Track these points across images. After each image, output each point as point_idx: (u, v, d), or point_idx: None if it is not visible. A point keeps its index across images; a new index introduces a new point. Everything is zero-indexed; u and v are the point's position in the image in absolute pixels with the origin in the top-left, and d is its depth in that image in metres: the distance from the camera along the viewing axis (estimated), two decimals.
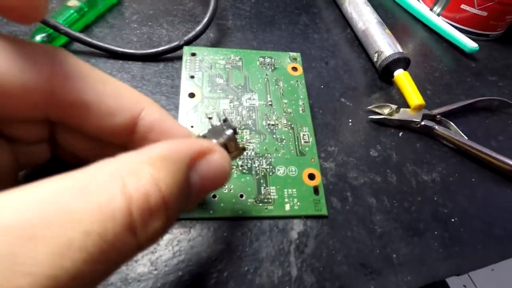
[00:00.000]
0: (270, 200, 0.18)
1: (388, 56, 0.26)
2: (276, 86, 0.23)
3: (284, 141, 0.20)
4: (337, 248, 0.18)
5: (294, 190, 0.19)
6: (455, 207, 0.21)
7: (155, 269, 0.16)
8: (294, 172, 0.19)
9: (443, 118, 0.25)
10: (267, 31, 0.29)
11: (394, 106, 0.25)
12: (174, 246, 0.16)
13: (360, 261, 0.18)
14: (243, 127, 0.21)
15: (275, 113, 0.21)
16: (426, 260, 0.18)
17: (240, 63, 0.23)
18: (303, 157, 0.20)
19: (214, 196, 0.18)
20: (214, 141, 0.14)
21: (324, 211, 0.19)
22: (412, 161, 0.23)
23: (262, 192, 0.18)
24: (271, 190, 0.19)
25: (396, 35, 0.28)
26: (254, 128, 0.21)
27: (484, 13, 0.32)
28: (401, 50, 0.26)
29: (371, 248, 0.18)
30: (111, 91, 0.13)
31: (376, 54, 0.27)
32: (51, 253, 0.08)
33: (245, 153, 0.19)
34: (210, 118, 0.20)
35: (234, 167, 0.19)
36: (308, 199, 0.19)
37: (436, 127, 0.24)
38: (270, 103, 0.22)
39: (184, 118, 0.20)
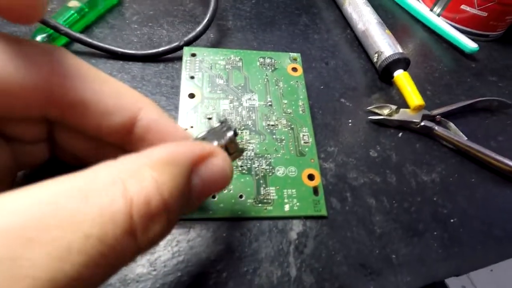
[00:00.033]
0: (270, 201, 0.18)
1: (388, 56, 0.26)
2: (276, 87, 0.23)
3: (284, 141, 0.20)
4: (337, 248, 0.18)
5: (294, 190, 0.19)
6: (454, 208, 0.21)
7: (154, 270, 0.16)
8: (293, 173, 0.19)
9: (442, 119, 0.25)
10: (267, 31, 0.29)
11: (393, 107, 0.25)
12: (173, 246, 0.16)
13: (360, 261, 0.18)
14: (243, 127, 0.21)
15: (275, 114, 0.22)
16: (425, 260, 0.19)
17: (240, 63, 0.23)
18: (303, 157, 0.20)
19: (214, 197, 0.18)
20: (215, 143, 0.14)
21: (324, 212, 0.19)
22: (412, 161, 0.23)
23: (262, 193, 0.18)
24: (271, 191, 0.19)
25: (396, 35, 0.28)
26: (254, 129, 0.21)
27: (484, 14, 0.32)
28: (401, 51, 0.26)
29: (370, 248, 0.18)
30: (110, 91, 0.13)
31: (376, 55, 0.27)
32: (51, 256, 0.08)
33: (244, 153, 0.19)
34: (209, 119, 0.20)
35: (234, 167, 0.19)
36: (307, 199, 0.19)
37: (436, 127, 0.24)
38: (270, 103, 0.22)
39: (184, 118, 0.20)
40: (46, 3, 0.12)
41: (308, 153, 0.20)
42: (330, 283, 0.17)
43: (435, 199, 0.21)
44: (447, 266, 0.19)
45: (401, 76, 0.26)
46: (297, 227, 0.18)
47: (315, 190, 0.19)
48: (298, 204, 0.18)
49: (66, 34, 0.22)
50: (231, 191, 0.18)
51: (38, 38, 0.22)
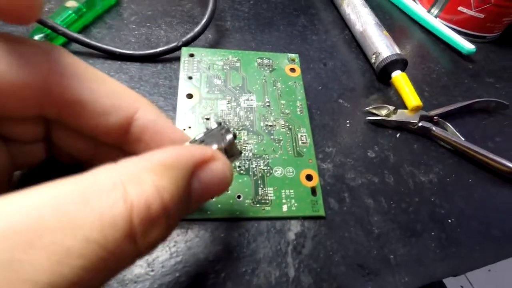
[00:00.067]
0: (268, 201, 0.18)
1: (386, 57, 0.26)
2: (274, 87, 0.23)
3: (282, 142, 0.20)
4: (335, 249, 0.18)
5: (292, 191, 0.19)
6: (452, 208, 0.21)
7: (152, 270, 0.16)
8: (291, 173, 0.19)
9: (440, 119, 0.25)
10: (265, 32, 0.29)
11: (391, 107, 0.25)
12: (171, 247, 0.16)
13: (358, 262, 0.18)
14: (241, 128, 0.21)
15: (273, 114, 0.22)
16: (423, 260, 0.19)
17: (238, 64, 0.23)
18: (301, 158, 0.20)
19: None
20: (215, 146, 0.14)
21: (322, 212, 0.19)
22: (410, 162, 0.23)
23: (260, 193, 0.18)
24: (269, 191, 0.19)
25: (394, 36, 0.28)
26: (251, 129, 0.21)
27: (481, 15, 0.32)
28: (398, 52, 0.26)
29: (368, 249, 0.18)
30: (107, 91, 0.13)
31: (374, 56, 0.27)
32: (51, 260, 0.08)
33: (242, 154, 0.19)
34: (207, 119, 0.20)
35: (232, 167, 0.19)
36: (305, 200, 0.19)
37: (433, 128, 0.24)
38: (268, 104, 0.22)
39: (182, 119, 0.20)
40: (42, 4, 0.12)
41: (306, 153, 0.20)
42: (328, 284, 0.17)
43: (432, 199, 0.21)
44: (445, 266, 0.19)
45: (399, 77, 0.26)
46: (295, 227, 0.18)
47: (313, 191, 0.19)
48: (296, 204, 0.18)
49: (64, 34, 0.22)
50: (229, 192, 0.18)
51: (36, 38, 0.22)
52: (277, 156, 0.20)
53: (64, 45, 0.23)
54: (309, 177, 0.19)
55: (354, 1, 0.31)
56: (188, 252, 0.16)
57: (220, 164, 0.13)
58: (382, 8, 0.35)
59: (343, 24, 0.32)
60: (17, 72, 0.11)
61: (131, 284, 0.15)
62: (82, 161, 0.16)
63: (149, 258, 0.16)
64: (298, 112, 0.22)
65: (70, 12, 0.23)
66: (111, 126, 0.13)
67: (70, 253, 0.08)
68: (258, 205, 0.18)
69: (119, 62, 0.24)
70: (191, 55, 0.23)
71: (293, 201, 0.18)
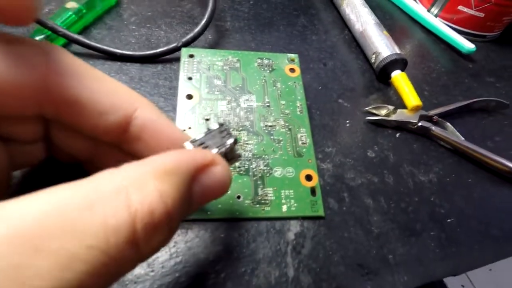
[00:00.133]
0: (267, 201, 0.18)
1: (386, 57, 0.26)
2: (274, 88, 0.23)
3: (282, 142, 0.21)
4: (334, 248, 0.18)
5: (291, 191, 0.19)
6: (452, 208, 0.21)
7: (152, 271, 0.16)
8: (291, 173, 0.19)
9: (440, 119, 0.25)
10: (265, 32, 0.29)
11: (391, 107, 0.25)
12: (171, 247, 0.17)
13: (357, 261, 0.18)
14: (241, 128, 0.21)
15: (272, 114, 0.22)
16: (423, 260, 0.19)
17: (238, 64, 0.23)
18: (301, 158, 0.20)
19: None
20: (215, 150, 0.14)
21: (321, 212, 0.19)
22: (409, 161, 0.23)
23: (259, 193, 0.18)
24: (268, 191, 0.19)
25: (394, 36, 0.28)
26: (251, 130, 0.21)
27: (481, 14, 0.32)
28: (398, 51, 0.26)
29: (368, 248, 0.18)
30: (105, 89, 0.13)
31: (374, 55, 0.27)
32: (55, 265, 0.08)
33: (242, 154, 0.20)
34: (207, 120, 0.20)
35: (232, 168, 0.19)
36: (305, 200, 0.19)
37: (433, 128, 0.24)
38: (267, 104, 0.22)
39: (182, 119, 0.20)
40: (40, 4, 0.12)
41: (306, 153, 0.20)
42: (328, 283, 0.17)
43: (432, 199, 0.21)
44: (444, 266, 0.19)
45: (398, 77, 0.26)
46: (294, 227, 0.18)
47: (313, 191, 0.19)
48: (295, 204, 0.18)
49: (64, 35, 0.22)
50: (229, 192, 0.18)
51: (36, 39, 0.22)
52: (277, 156, 0.20)
53: (65, 46, 0.23)
54: (308, 177, 0.20)
55: (354, 1, 0.31)
56: (188, 252, 0.17)
57: (220, 169, 0.13)
58: (382, 8, 0.35)
59: (343, 24, 0.32)
60: (16, 71, 0.11)
61: (131, 285, 0.15)
62: (81, 161, 0.16)
63: (149, 258, 0.16)
64: (298, 112, 0.22)
65: (70, 13, 0.23)
66: (110, 125, 0.13)
67: (73, 258, 0.08)
68: (257, 206, 0.18)
69: (119, 63, 0.24)
70: (191, 56, 0.23)
71: (292, 201, 0.19)
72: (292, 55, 0.25)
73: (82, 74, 0.13)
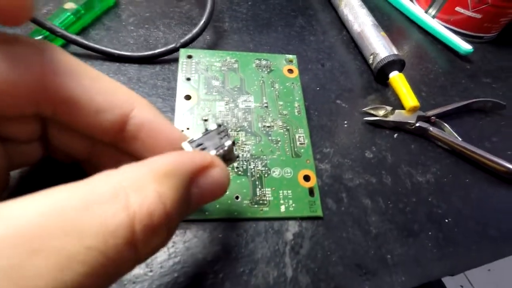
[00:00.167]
0: (266, 202, 0.18)
1: (383, 58, 0.26)
2: (272, 88, 0.23)
3: (280, 142, 0.21)
4: (332, 249, 0.18)
5: (290, 191, 0.19)
6: (449, 208, 0.21)
7: (151, 271, 0.16)
8: (289, 174, 0.19)
9: (437, 120, 0.25)
10: (263, 33, 0.29)
11: (389, 108, 0.25)
12: (169, 247, 0.17)
13: (355, 261, 0.18)
14: (239, 129, 0.21)
15: (270, 115, 0.22)
16: (420, 260, 0.19)
17: (236, 65, 0.23)
18: (299, 158, 0.20)
19: None
20: (213, 152, 0.14)
21: (319, 212, 0.19)
22: (407, 162, 0.23)
23: (258, 194, 0.18)
24: (267, 192, 0.19)
25: (392, 37, 0.28)
26: (249, 130, 0.21)
27: (479, 16, 0.32)
28: (396, 52, 0.27)
29: (366, 249, 0.18)
30: (102, 88, 0.13)
31: (372, 56, 0.27)
32: (53, 265, 0.08)
33: (241, 154, 0.20)
34: (205, 120, 0.20)
35: (230, 169, 0.19)
36: (303, 200, 0.19)
37: (431, 128, 0.24)
38: (265, 105, 0.22)
39: (180, 120, 0.20)
40: (33, 4, 0.12)
41: (304, 154, 0.20)
42: (326, 283, 0.17)
43: (430, 199, 0.21)
44: (442, 266, 0.19)
45: (396, 78, 0.26)
46: (293, 228, 0.18)
47: (311, 191, 0.19)
48: (294, 205, 0.19)
49: (62, 36, 0.22)
50: (227, 192, 0.18)
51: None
52: (275, 157, 0.20)
53: (63, 47, 0.23)
54: (307, 178, 0.20)
55: (352, 2, 0.31)
56: (187, 252, 0.17)
57: (218, 171, 0.13)
58: (380, 9, 0.35)
59: (341, 25, 0.32)
60: (12, 71, 0.11)
61: (130, 285, 0.15)
62: (79, 160, 0.16)
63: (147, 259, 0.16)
64: (296, 113, 0.22)
65: (68, 14, 0.23)
66: (107, 124, 0.13)
67: (72, 259, 0.08)
68: (256, 206, 0.18)
69: (117, 64, 0.24)
70: (189, 57, 0.23)
71: (291, 201, 0.19)
72: (290, 56, 0.25)
73: (79, 72, 0.13)
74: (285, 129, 0.21)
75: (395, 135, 0.24)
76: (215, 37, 0.28)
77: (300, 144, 0.21)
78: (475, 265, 0.19)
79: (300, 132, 0.21)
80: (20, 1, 0.11)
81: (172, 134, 0.14)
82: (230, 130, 0.20)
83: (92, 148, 0.15)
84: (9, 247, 0.07)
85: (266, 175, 0.19)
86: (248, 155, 0.20)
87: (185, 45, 0.24)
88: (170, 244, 0.17)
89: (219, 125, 0.15)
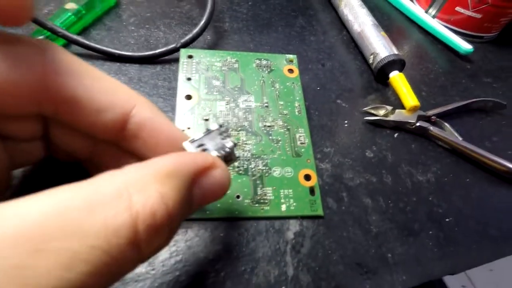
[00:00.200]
0: (267, 201, 0.18)
1: (384, 58, 0.26)
2: (272, 88, 0.23)
3: (280, 142, 0.21)
4: (333, 248, 0.18)
5: (290, 190, 0.19)
6: (450, 207, 0.21)
7: (153, 269, 0.16)
8: (290, 173, 0.20)
9: (438, 119, 0.25)
10: (263, 33, 0.29)
11: (389, 108, 0.25)
12: (171, 246, 0.17)
13: (356, 260, 0.18)
14: (240, 128, 0.21)
15: (271, 115, 0.22)
16: (421, 259, 0.19)
17: (237, 65, 0.23)
18: (299, 158, 0.20)
19: None
20: (215, 153, 0.14)
21: (320, 212, 0.19)
22: (407, 161, 0.23)
23: (259, 193, 0.19)
24: (267, 191, 0.19)
25: (392, 37, 0.29)
26: (250, 130, 0.21)
27: (479, 15, 0.32)
28: (396, 52, 0.27)
29: (366, 248, 0.18)
30: (102, 87, 0.13)
31: (372, 56, 0.27)
32: (57, 265, 0.08)
33: (242, 154, 0.20)
34: (206, 120, 0.20)
35: (231, 168, 0.19)
36: (304, 199, 0.19)
37: (431, 128, 0.24)
38: (266, 104, 0.22)
39: (181, 120, 0.20)
40: (33, 4, 0.12)
41: (305, 153, 0.20)
42: (327, 282, 0.17)
43: (430, 199, 0.21)
44: (442, 265, 0.19)
45: (396, 78, 0.26)
46: (293, 227, 0.18)
47: (312, 190, 0.19)
48: (294, 204, 0.19)
49: (63, 36, 0.22)
50: (229, 192, 0.18)
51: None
52: (275, 156, 0.20)
53: (64, 47, 0.23)
54: (307, 177, 0.20)
55: (352, 2, 0.31)
56: (188, 251, 0.17)
57: (220, 172, 0.13)
58: (380, 8, 0.35)
59: (341, 25, 0.32)
60: (14, 70, 0.11)
61: (132, 283, 0.15)
62: (80, 159, 0.16)
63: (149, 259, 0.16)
64: (297, 113, 0.22)
65: (69, 14, 0.24)
66: (108, 123, 0.13)
67: (75, 259, 0.08)
68: (257, 205, 0.18)
69: (118, 64, 0.24)
70: (190, 57, 0.23)
71: (291, 200, 0.19)
72: (291, 56, 0.25)
73: (80, 72, 0.13)
74: (285, 129, 0.21)
75: (396, 135, 0.24)
76: (215, 37, 0.28)
77: (301, 143, 0.21)
78: (476, 264, 0.19)
79: (300, 131, 0.21)
80: (20, 2, 0.11)
81: (173, 132, 0.14)
82: (230, 129, 0.20)
83: (93, 147, 0.15)
84: (12, 247, 0.08)
85: (266, 175, 0.19)
86: (249, 155, 0.20)
87: (185, 45, 0.24)
88: (172, 243, 0.17)
89: (220, 125, 0.15)
